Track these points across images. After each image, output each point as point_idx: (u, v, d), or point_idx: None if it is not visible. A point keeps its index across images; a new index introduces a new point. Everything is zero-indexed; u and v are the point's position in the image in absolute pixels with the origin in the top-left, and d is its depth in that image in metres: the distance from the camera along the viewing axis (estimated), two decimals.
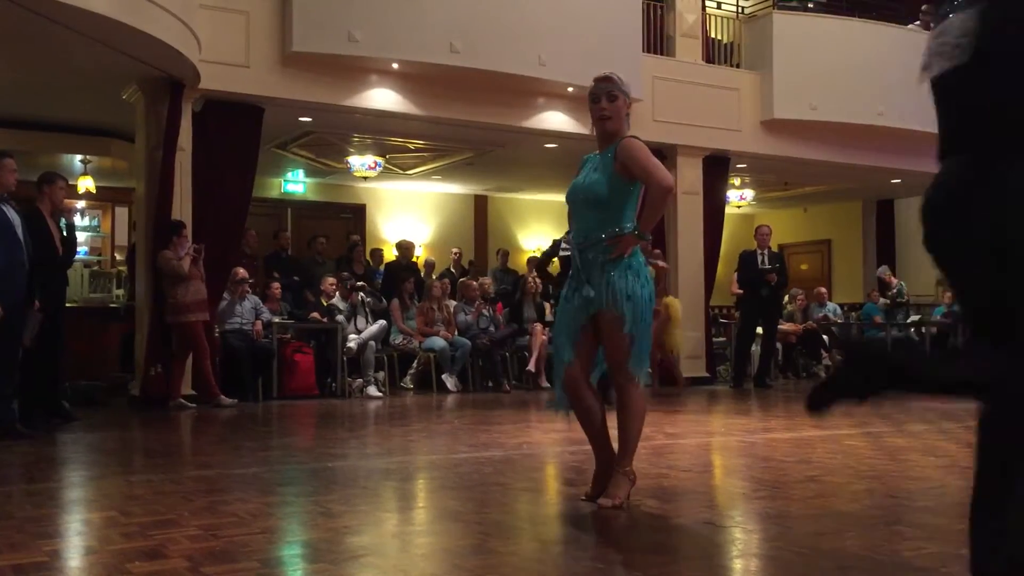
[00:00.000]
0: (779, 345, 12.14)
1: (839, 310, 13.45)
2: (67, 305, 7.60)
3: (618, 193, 3.64)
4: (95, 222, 12.91)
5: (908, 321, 13.76)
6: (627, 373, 3.63)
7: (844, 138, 12.13)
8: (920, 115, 11.91)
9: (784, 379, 12.27)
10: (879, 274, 14.20)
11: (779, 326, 11.69)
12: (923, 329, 13.57)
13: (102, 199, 12.49)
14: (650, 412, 7.46)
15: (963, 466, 4.80)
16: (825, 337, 13.03)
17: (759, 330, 11.17)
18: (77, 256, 8.41)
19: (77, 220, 9.23)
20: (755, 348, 11.36)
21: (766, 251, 11.02)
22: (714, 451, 5.82)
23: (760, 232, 11.15)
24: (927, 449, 5.38)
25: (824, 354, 12.94)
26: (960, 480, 4.37)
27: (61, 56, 7.62)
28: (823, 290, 13.71)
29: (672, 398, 9.27)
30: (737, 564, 2.93)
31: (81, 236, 10.57)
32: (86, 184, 11.44)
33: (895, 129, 11.97)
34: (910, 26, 12.33)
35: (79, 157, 11.31)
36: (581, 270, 3.67)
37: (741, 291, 11.21)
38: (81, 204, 12.18)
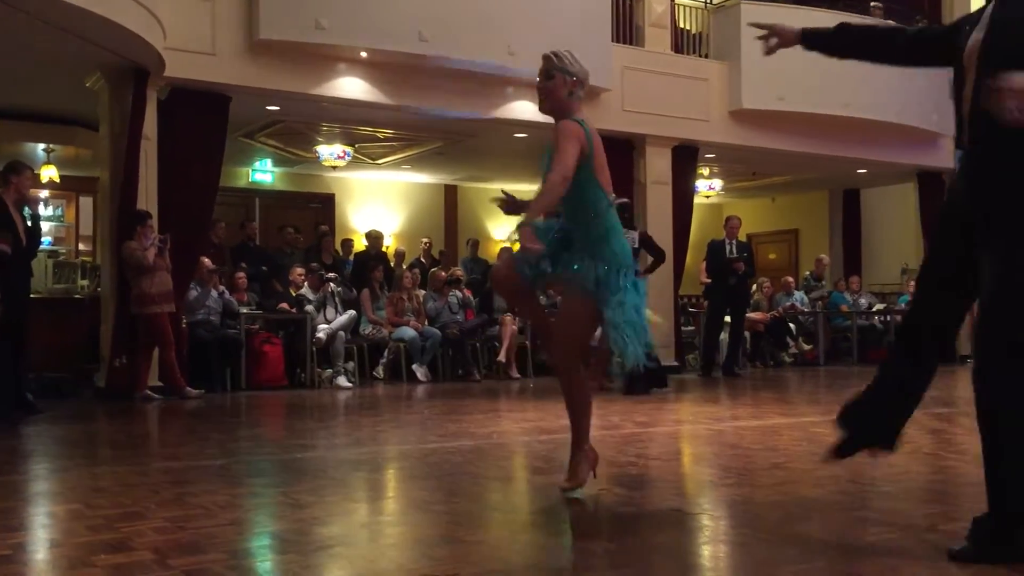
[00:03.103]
0: (747, 334, 12.24)
1: (806, 299, 13.59)
2: (31, 296, 7.50)
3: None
4: (59, 211, 12.74)
5: (874, 310, 13.93)
6: (569, 357, 3.61)
7: (811, 128, 12.22)
8: (885, 106, 12.17)
9: (752, 367, 12.37)
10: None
11: (747, 315, 11.79)
12: (887, 318, 13.74)
13: (66, 188, 12.33)
14: (620, 402, 7.50)
15: (925, 452, 4.88)
16: (792, 325, 13.17)
17: (727, 319, 11.26)
18: (41, 247, 8.30)
19: (41, 210, 9.11)
20: (723, 337, 11.45)
21: (734, 241, 11.11)
22: (683, 439, 5.87)
23: (730, 224, 11.24)
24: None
25: (791, 342, 13.08)
26: (922, 466, 4.45)
27: (22, 43, 7.49)
28: (790, 279, 13.84)
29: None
30: (705, 551, 2.96)
31: (45, 226, 10.43)
32: (49, 173, 11.29)
33: (861, 120, 12.10)
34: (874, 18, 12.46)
35: (42, 146, 11.16)
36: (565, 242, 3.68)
37: (709, 280, 11.29)
38: (45, 194, 12.00)
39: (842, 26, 3.16)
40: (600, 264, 3.54)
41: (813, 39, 3.15)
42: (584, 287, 3.52)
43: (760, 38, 3.21)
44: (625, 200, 9.37)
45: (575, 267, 3.56)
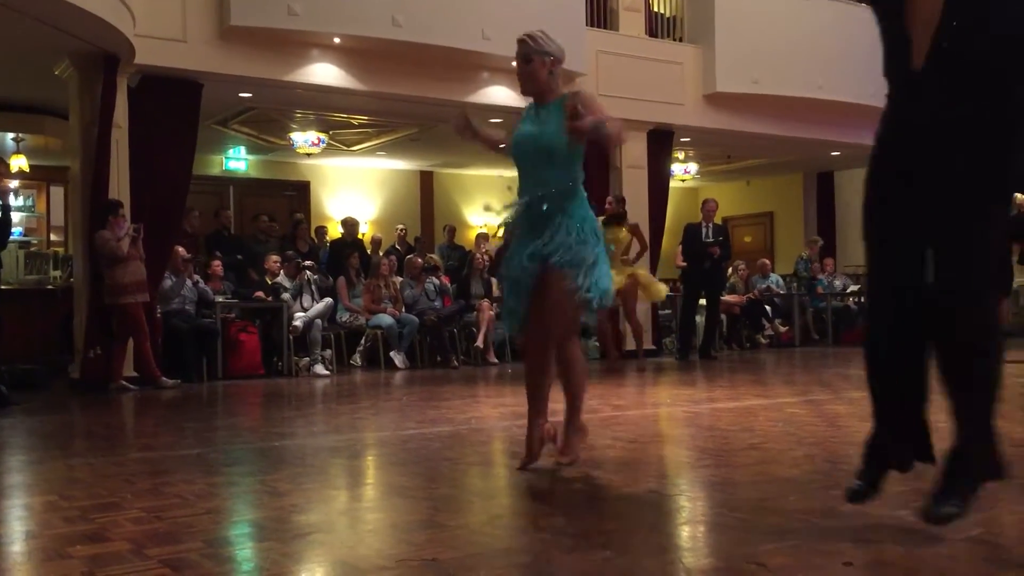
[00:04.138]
0: (723, 317, 12.31)
1: (781, 281, 13.68)
2: (2, 287, 7.42)
3: (570, 145, 3.67)
4: (30, 202, 12.58)
5: (848, 292, 14.04)
6: (568, 331, 3.70)
7: (785, 111, 12.28)
8: (859, 88, 12.23)
9: (728, 350, 12.45)
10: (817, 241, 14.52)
11: (723, 297, 11.85)
12: (861, 299, 13.84)
13: (36, 178, 12.18)
14: (598, 385, 7.53)
15: None
16: (767, 307, 13.26)
17: (702, 302, 11.33)
18: (12, 237, 8.20)
19: (11, 200, 9.00)
20: (699, 319, 11.52)
21: (711, 224, 11.16)
22: (660, 422, 5.90)
23: (706, 207, 11.30)
24: (865, 415, 5.46)
25: (766, 324, 13.17)
26: None
27: None
28: (766, 262, 13.94)
29: (614, 372, 9.35)
30: (683, 531, 2.98)
31: (15, 216, 10.31)
32: (19, 163, 11.16)
33: (834, 102, 12.16)
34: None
35: (11, 135, 11.02)
36: (534, 225, 3.69)
37: (685, 264, 11.34)
38: (15, 184, 11.85)
39: None
40: (576, 230, 3.62)
41: None
42: (565, 260, 3.58)
43: None
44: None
45: (555, 242, 3.61)
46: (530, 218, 3.71)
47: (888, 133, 2.71)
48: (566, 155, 3.68)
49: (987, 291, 2.54)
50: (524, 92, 3.81)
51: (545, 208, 3.65)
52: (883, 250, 2.67)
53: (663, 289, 10.37)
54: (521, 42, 3.73)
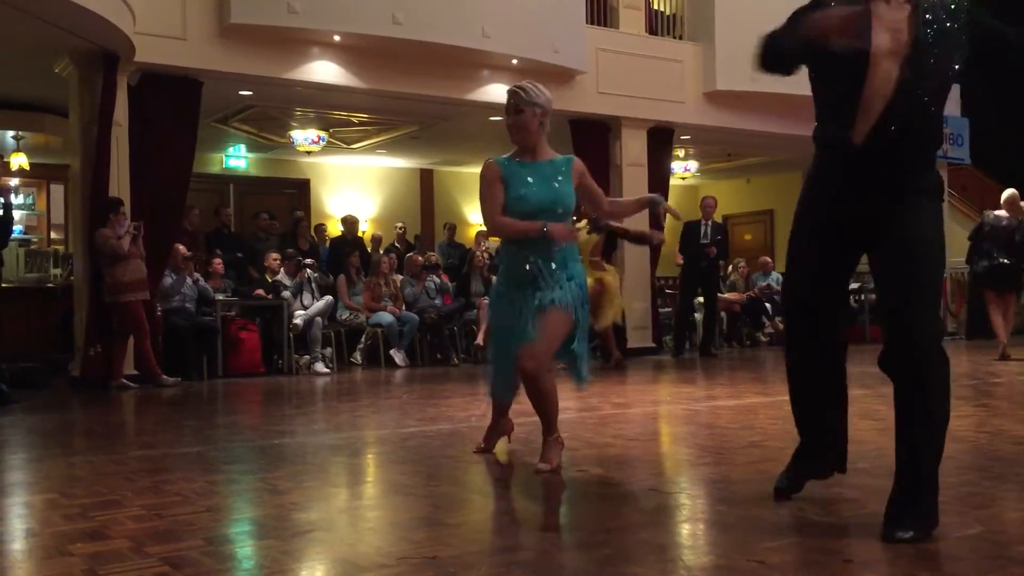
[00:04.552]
0: (723, 314, 12.31)
1: (782, 279, 13.68)
2: (2, 285, 7.42)
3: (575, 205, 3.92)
4: (30, 200, 12.58)
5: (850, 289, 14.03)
6: (545, 362, 3.76)
7: (785, 109, 12.23)
8: None
9: (729, 347, 12.44)
10: None
11: (723, 295, 11.85)
12: (862, 296, 13.84)
13: (37, 176, 12.18)
14: (598, 383, 7.53)
15: None
16: (768, 305, 13.26)
17: (699, 300, 11.35)
18: (12, 235, 8.20)
19: (12, 198, 9.01)
20: (699, 317, 11.53)
21: (710, 222, 11.17)
22: (660, 420, 5.90)
23: (705, 204, 11.31)
24: (865, 413, 5.50)
25: (766, 322, 13.17)
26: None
27: None
28: (768, 259, 13.92)
29: (613, 371, 9.35)
30: (683, 529, 2.98)
31: (16, 215, 10.31)
32: (19, 161, 11.16)
33: None
34: None
35: (11, 133, 11.02)
36: (546, 276, 3.76)
37: (683, 261, 11.36)
38: (15, 182, 11.86)
39: None
40: (577, 283, 3.82)
41: None
42: (568, 306, 3.75)
43: None
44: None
45: (560, 292, 3.75)
46: (528, 272, 3.77)
47: (824, 200, 2.98)
48: (571, 213, 3.86)
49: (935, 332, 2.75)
50: (514, 142, 3.84)
51: (558, 259, 3.77)
52: (812, 295, 3.01)
53: (613, 317, 9.14)
54: (512, 93, 3.77)
